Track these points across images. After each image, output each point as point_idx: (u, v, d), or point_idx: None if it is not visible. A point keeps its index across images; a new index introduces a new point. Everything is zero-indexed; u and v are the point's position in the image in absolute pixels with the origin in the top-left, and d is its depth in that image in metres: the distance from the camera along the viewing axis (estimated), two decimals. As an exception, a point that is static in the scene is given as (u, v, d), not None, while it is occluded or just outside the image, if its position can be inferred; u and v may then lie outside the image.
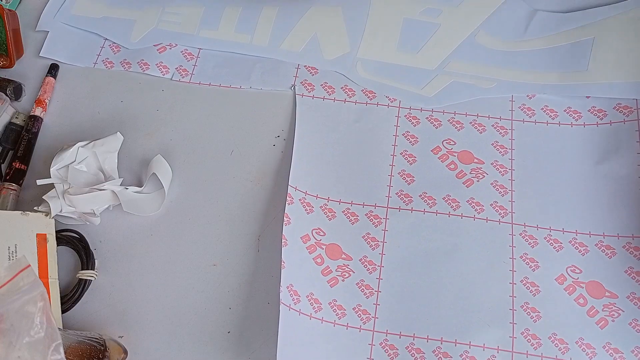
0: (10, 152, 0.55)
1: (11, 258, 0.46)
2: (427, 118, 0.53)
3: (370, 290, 0.46)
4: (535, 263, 0.46)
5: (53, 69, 0.58)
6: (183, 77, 0.57)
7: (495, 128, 0.52)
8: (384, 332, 0.45)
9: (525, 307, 0.45)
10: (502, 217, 0.48)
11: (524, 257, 0.46)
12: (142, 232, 0.50)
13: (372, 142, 0.52)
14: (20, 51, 0.59)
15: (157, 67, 0.57)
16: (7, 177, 0.51)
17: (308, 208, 0.49)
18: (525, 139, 0.51)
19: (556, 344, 0.43)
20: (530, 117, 0.52)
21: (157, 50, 0.58)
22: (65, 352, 0.38)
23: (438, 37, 0.56)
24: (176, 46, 0.58)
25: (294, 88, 0.55)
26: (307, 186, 0.50)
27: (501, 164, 0.50)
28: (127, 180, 0.52)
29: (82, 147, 0.50)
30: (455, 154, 0.51)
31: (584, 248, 0.47)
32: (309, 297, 0.45)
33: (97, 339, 0.43)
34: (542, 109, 0.52)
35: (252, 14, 0.58)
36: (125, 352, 0.45)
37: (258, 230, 0.50)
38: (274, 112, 0.55)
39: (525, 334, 0.44)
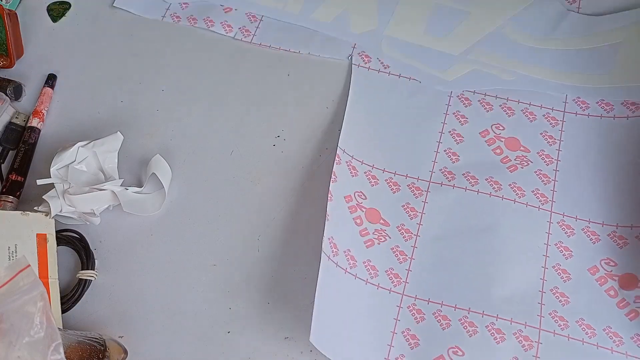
0: (10, 153, 0.55)
1: (11, 258, 0.46)
2: (479, 101, 0.53)
3: (404, 257, 0.47)
4: (569, 252, 0.47)
5: (50, 79, 0.57)
6: (245, 37, 0.58)
7: (546, 118, 0.52)
8: (413, 297, 0.46)
9: (554, 290, 0.45)
10: (542, 204, 0.48)
11: (558, 245, 0.47)
12: (142, 232, 0.50)
13: (422, 118, 0.53)
14: (20, 51, 0.59)
15: (222, 25, 0.59)
16: (4, 190, 0.51)
17: (353, 171, 0.50)
18: (577, 131, 0.51)
19: (583, 328, 0.44)
20: (584, 110, 0.52)
21: (224, 10, 0.59)
22: (65, 352, 0.38)
23: (466, 25, 0.57)
24: (231, 10, 0.59)
25: (351, 58, 0.56)
26: (354, 151, 0.51)
27: (547, 154, 0.51)
28: (127, 180, 0.52)
29: (82, 146, 0.50)
30: (503, 140, 0.51)
31: (623, 241, 0.47)
32: (346, 253, 0.46)
33: (97, 339, 0.43)
34: (598, 102, 0.52)
35: None
36: (125, 352, 0.45)
37: (258, 230, 0.50)
38: (277, 109, 0.55)
39: (553, 314, 0.45)
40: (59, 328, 0.40)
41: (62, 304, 0.47)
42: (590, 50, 0.54)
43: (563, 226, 0.48)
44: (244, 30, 0.58)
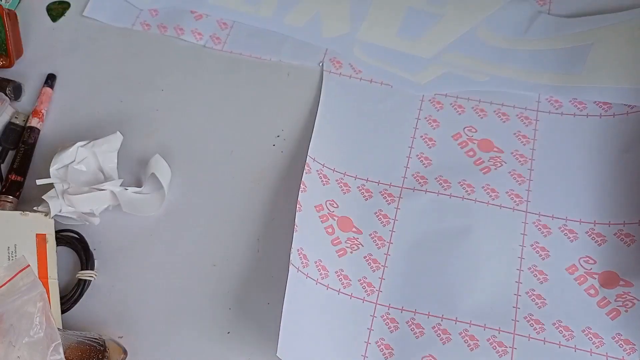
0: (10, 153, 0.55)
1: (11, 258, 0.46)
2: (451, 104, 0.53)
3: (377, 265, 0.47)
4: (545, 252, 0.46)
5: (50, 79, 0.57)
6: (216, 45, 0.57)
7: (519, 118, 0.52)
8: (386, 306, 0.45)
9: (530, 293, 0.45)
10: (517, 204, 0.48)
11: (534, 246, 0.46)
12: (142, 232, 0.50)
13: (393, 123, 0.52)
14: (20, 51, 0.59)
15: (192, 32, 0.58)
16: (4, 190, 0.51)
17: (324, 180, 0.49)
18: (551, 129, 0.51)
19: (560, 330, 0.43)
20: (557, 108, 0.52)
21: (194, 17, 0.59)
22: (64, 352, 0.38)
23: (439, 28, 0.56)
24: (204, 17, 0.59)
25: (322, 64, 0.55)
26: (325, 159, 0.50)
27: (521, 153, 0.50)
28: (127, 180, 0.52)
29: (81, 146, 0.50)
30: (476, 142, 0.51)
31: (602, 238, 0.46)
32: (317, 264, 0.45)
33: (96, 339, 0.43)
34: (570, 101, 0.52)
35: None
36: (125, 352, 0.45)
37: (258, 231, 0.50)
38: (277, 109, 0.55)
39: (528, 318, 0.44)
40: (58, 328, 0.40)
41: (61, 304, 0.47)
42: (562, 50, 0.54)
43: (539, 226, 0.47)
44: (214, 38, 0.58)
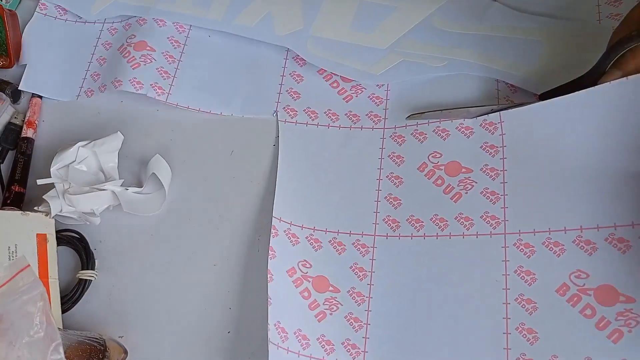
0: (10, 153, 0.55)
1: (11, 258, 0.46)
2: (412, 134, 0.49)
3: (359, 324, 0.44)
4: (531, 276, 0.42)
5: None
6: (159, 95, 0.53)
7: (483, 127, 0.47)
8: None
9: (520, 328, 0.41)
10: (494, 228, 0.44)
11: (518, 272, 0.42)
12: (142, 232, 0.50)
13: (357, 167, 0.50)
14: (20, 51, 0.59)
15: (130, 82, 0.53)
16: (8, 202, 0.51)
17: (293, 239, 0.47)
18: (517, 126, 0.46)
19: None
20: (517, 102, 0.48)
21: (131, 66, 0.54)
22: (65, 352, 0.38)
23: (393, 19, 0.55)
24: (151, 62, 0.55)
25: (277, 114, 0.53)
26: (292, 217, 0.48)
27: (492, 167, 0.46)
28: (127, 180, 0.52)
29: (82, 146, 0.50)
30: (442, 168, 0.48)
31: (591, 246, 0.41)
32: (297, 334, 0.44)
33: (97, 339, 0.43)
34: (527, 91, 0.48)
35: None
36: (125, 352, 0.45)
37: (258, 230, 0.50)
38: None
39: (521, 359, 0.40)
40: (59, 328, 0.41)
41: (62, 304, 0.47)
42: (515, 40, 0.52)
43: (520, 246, 0.43)
44: (156, 87, 0.54)
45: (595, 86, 0.42)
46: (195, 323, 0.47)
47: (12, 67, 0.58)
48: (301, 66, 0.55)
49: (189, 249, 0.49)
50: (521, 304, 0.42)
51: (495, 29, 0.52)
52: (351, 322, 0.45)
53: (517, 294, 0.42)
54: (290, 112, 0.53)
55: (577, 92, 0.42)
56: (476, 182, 0.46)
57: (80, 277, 0.48)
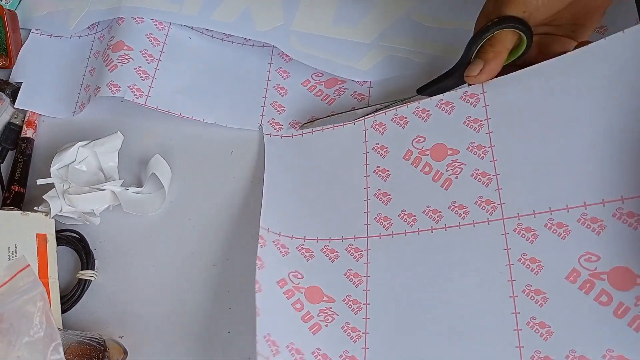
0: (10, 153, 0.55)
1: (11, 258, 0.46)
2: (392, 120, 0.47)
3: (357, 333, 0.42)
4: (537, 263, 0.38)
5: None
6: (137, 98, 0.51)
7: (464, 100, 0.44)
8: None
9: (531, 323, 0.37)
10: (491, 214, 0.40)
11: (522, 260, 0.39)
12: (142, 232, 0.50)
13: (343, 168, 0.48)
14: (20, 51, 0.59)
15: (108, 86, 0.52)
16: (8, 202, 0.51)
17: (283, 250, 0.45)
18: (502, 98, 0.42)
19: None
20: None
21: (109, 69, 0.53)
22: (65, 352, 0.38)
23: (374, 13, 0.54)
24: (128, 62, 0.53)
25: (262, 128, 0.52)
26: (280, 227, 0.46)
27: (478, 144, 0.42)
28: (127, 180, 0.52)
29: (82, 146, 0.50)
30: (428, 153, 0.45)
31: (599, 224, 0.36)
32: (290, 348, 0.41)
33: (97, 339, 0.43)
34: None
35: None
36: (125, 352, 0.45)
37: (258, 231, 0.49)
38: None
39: (536, 357, 0.37)
40: (59, 328, 0.41)
41: (62, 304, 0.47)
42: None
43: (521, 231, 0.39)
44: (134, 89, 0.51)
45: (590, 44, 0.38)
46: (195, 323, 0.47)
47: (12, 66, 0.58)
48: (284, 79, 0.54)
49: (189, 249, 0.49)
50: (530, 296, 0.38)
51: (473, 25, 0.52)
52: (348, 332, 0.42)
53: (524, 285, 0.38)
54: (275, 126, 0.52)
55: (570, 52, 0.39)
56: (465, 164, 0.43)
57: (80, 277, 0.48)
